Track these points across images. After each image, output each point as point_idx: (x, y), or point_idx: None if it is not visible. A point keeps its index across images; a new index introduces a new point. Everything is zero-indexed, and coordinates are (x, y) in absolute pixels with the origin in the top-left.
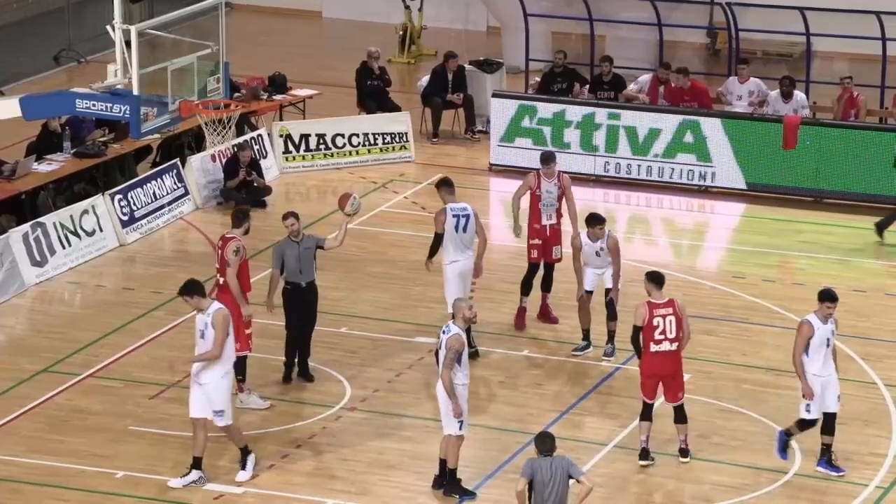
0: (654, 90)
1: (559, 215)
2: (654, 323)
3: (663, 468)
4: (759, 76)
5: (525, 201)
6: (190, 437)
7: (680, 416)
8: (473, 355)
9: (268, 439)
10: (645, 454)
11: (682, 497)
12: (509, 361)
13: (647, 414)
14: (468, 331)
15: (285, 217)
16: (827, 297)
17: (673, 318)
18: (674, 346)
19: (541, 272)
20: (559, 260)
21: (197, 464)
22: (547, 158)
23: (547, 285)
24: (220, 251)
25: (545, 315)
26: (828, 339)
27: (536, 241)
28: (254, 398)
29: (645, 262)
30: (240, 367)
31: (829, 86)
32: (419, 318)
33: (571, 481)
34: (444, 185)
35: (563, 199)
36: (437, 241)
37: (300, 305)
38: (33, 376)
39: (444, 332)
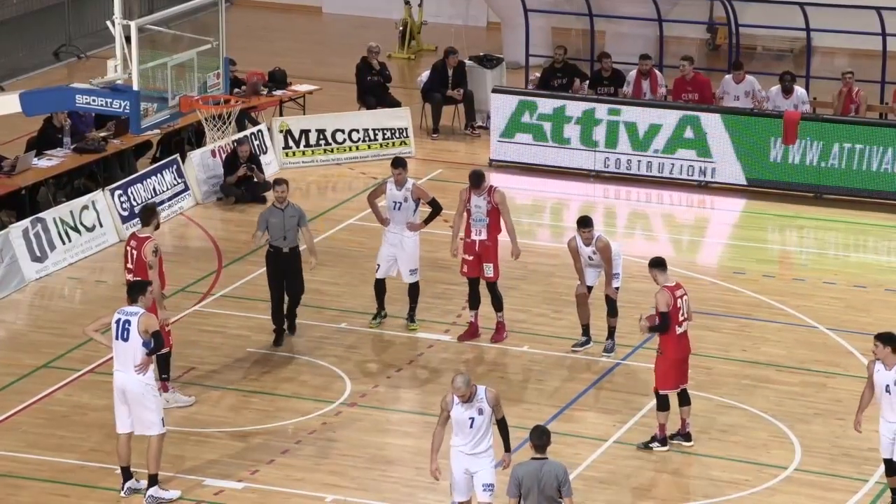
0: (638, 85)
1: (491, 231)
2: (678, 305)
3: (663, 463)
4: (760, 72)
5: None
6: (192, 434)
7: (687, 398)
8: (384, 318)
9: (268, 435)
10: (666, 441)
11: (681, 492)
12: (509, 357)
13: (667, 403)
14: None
15: (278, 183)
16: None
17: (686, 296)
18: (686, 326)
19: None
20: (493, 278)
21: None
22: (474, 180)
23: (496, 305)
24: (133, 251)
25: (470, 332)
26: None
27: (467, 256)
28: (178, 395)
29: (645, 258)
30: (164, 364)
31: (829, 81)
32: (419, 313)
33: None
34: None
35: (498, 215)
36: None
37: (281, 269)
38: (33, 372)
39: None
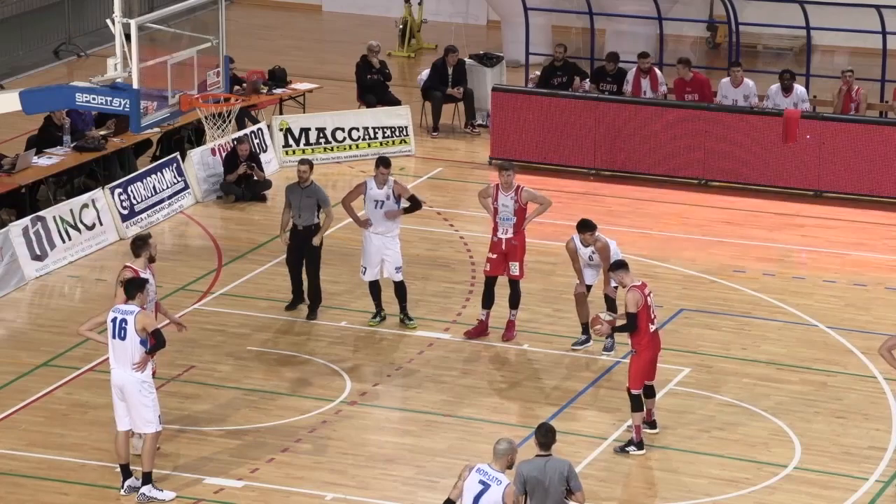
0: (637, 83)
1: (518, 230)
2: (648, 303)
3: (663, 462)
4: (760, 70)
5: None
6: (191, 433)
7: (652, 392)
8: (383, 318)
9: (268, 433)
10: (643, 444)
11: (681, 491)
12: (509, 355)
13: (641, 404)
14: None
15: (301, 162)
16: None
17: (652, 294)
18: (657, 323)
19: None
20: (518, 277)
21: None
22: (501, 167)
23: (513, 302)
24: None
25: (478, 330)
26: None
27: (492, 255)
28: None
29: (645, 257)
30: None
31: (829, 80)
32: (419, 311)
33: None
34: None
35: (525, 214)
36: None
37: (297, 245)
38: (33, 370)
39: (486, 480)
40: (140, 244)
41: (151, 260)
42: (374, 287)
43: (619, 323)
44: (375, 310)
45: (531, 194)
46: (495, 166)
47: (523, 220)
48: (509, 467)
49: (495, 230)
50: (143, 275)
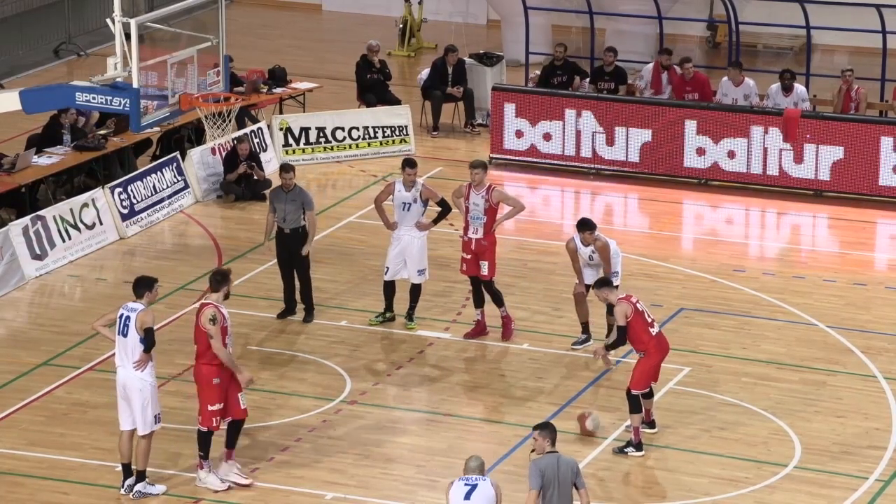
0: (658, 79)
1: (488, 231)
2: (640, 309)
3: (663, 461)
4: (760, 69)
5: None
6: (192, 432)
7: (650, 392)
8: (390, 319)
9: (267, 432)
10: (641, 445)
11: (681, 490)
12: (509, 354)
13: (640, 405)
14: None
15: (284, 169)
16: None
17: (641, 302)
18: (658, 326)
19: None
20: (488, 277)
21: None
22: (470, 164)
23: (496, 301)
24: (197, 317)
25: (477, 330)
26: None
27: (465, 255)
28: (212, 478)
29: (645, 257)
30: (205, 441)
31: (829, 79)
32: (419, 311)
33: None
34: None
35: (496, 214)
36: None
37: (284, 248)
38: (33, 369)
39: (470, 482)
40: (220, 279)
41: (226, 296)
42: (389, 287)
43: (611, 340)
44: (384, 309)
45: (502, 195)
46: (494, 165)
47: (493, 220)
48: None
49: (466, 229)
50: (222, 310)
